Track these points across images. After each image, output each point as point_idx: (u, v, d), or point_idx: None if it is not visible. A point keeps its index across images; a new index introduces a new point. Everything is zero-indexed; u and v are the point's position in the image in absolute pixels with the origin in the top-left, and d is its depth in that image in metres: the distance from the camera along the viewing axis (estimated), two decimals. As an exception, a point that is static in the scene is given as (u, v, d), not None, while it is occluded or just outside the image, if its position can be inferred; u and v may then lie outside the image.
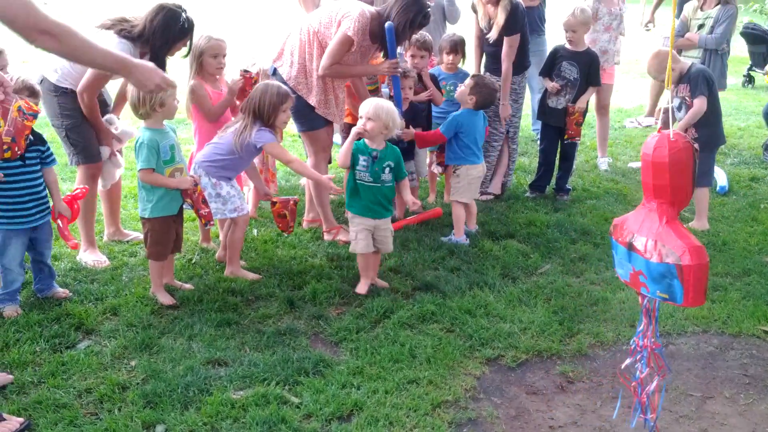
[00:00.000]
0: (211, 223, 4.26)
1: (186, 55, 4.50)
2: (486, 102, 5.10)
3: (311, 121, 4.86)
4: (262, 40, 10.43)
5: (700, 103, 5.21)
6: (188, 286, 4.25)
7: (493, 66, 5.82)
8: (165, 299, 4.03)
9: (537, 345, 3.70)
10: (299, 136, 5.76)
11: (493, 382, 3.43)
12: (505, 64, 5.64)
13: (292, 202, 4.55)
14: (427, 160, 6.05)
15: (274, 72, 4.91)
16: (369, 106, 4.21)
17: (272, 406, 3.10)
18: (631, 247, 2.57)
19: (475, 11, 5.87)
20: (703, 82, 5.23)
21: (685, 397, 3.36)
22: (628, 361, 2.81)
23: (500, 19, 5.52)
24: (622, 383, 2.95)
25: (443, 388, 3.32)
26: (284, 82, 4.78)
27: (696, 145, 2.55)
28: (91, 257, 4.54)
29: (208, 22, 7.34)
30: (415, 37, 5.28)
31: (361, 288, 4.26)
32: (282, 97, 4.29)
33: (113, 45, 4.19)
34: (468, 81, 5.14)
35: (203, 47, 4.62)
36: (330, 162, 5.29)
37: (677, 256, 2.41)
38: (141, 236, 4.90)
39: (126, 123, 4.89)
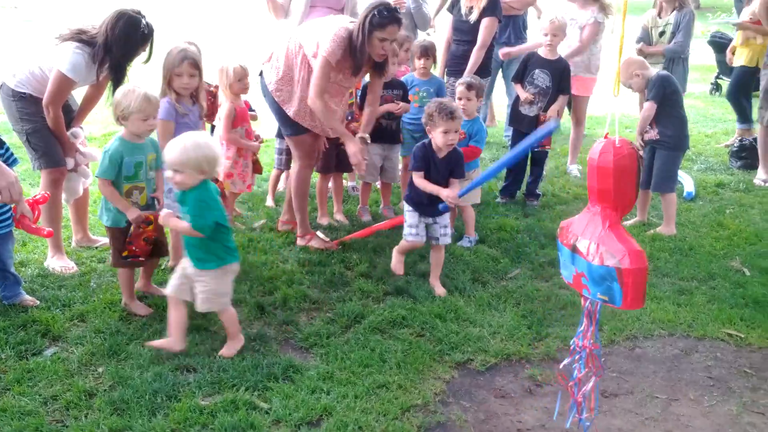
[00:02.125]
0: (138, 260, 3.95)
1: (146, 61, 4.45)
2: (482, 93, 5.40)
3: (294, 125, 4.83)
4: (238, 48, 10.38)
5: (647, 107, 5.41)
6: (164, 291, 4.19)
7: (456, 68, 6.00)
8: (139, 310, 3.96)
9: (506, 349, 3.73)
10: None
11: (463, 386, 3.45)
12: (480, 41, 6.00)
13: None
14: (400, 165, 6.09)
15: (261, 73, 4.89)
16: (171, 153, 3.43)
17: (241, 411, 3.09)
18: (574, 249, 2.62)
19: (455, 4, 6.17)
20: (656, 88, 5.38)
21: (650, 400, 3.41)
22: (566, 360, 2.86)
23: (483, 2, 5.94)
24: (560, 383, 3.00)
25: (413, 392, 3.33)
26: (266, 86, 4.78)
27: (641, 153, 2.60)
28: (58, 263, 4.49)
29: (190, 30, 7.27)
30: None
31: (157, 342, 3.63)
32: (176, 60, 4.19)
33: (69, 53, 4.17)
34: (465, 92, 5.20)
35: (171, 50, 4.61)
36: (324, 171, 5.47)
37: (617, 259, 2.46)
38: (108, 242, 4.88)
39: (92, 148, 4.85)
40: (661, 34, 7.33)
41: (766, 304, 4.30)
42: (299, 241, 5.04)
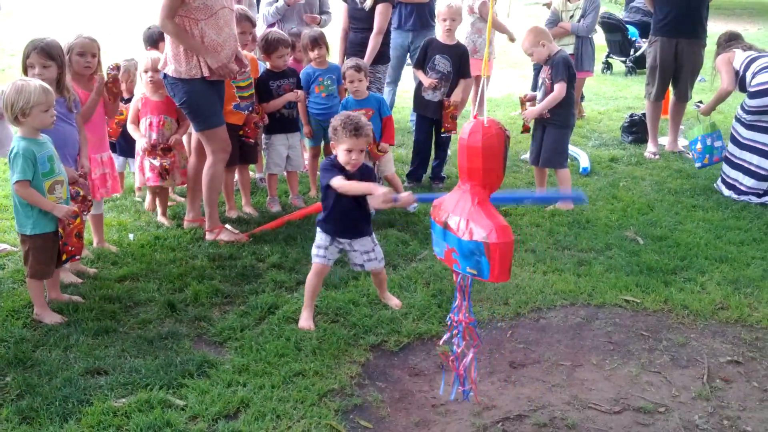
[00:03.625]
0: (75, 258, 3.96)
1: None
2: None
3: (208, 119, 4.76)
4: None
5: (559, 89, 5.52)
6: (77, 298, 4.06)
7: (355, 56, 6.11)
8: (52, 319, 3.82)
9: (418, 328, 3.83)
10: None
11: (378, 368, 3.52)
12: (376, 27, 6.08)
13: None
14: (306, 154, 6.10)
15: (165, 77, 4.80)
16: None
17: (156, 410, 3.06)
18: (446, 226, 2.70)
19: None
20: (564, 69, 5.54)
21: (556, 367, 3.57)
22: (445, 336, 2.96)
23: None
24: (442, 359, 3.10)
25: (329, 377, 3.38)
26: (177, 81, 4.68)
27: (508, 133, 2.73)
28: None
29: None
30: (275, 36, 5.50)
31: None
32: (26, 49, 4.07)
33: None
34: (355, 74, 5.44)
35: (71, 44, 4.44)
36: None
37: (485, 234, 2.54)
38: (8, 248, 4.70)
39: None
40: (571, 17, 7.67)
41: (659, 270, 4.57)
42: (208, 236, 4.99)
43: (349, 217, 3.82)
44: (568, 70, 5.57)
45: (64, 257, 3.86)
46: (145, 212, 5.49)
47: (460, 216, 2.64)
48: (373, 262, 3.92)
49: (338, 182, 3.67)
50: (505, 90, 10.58)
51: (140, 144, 5.09)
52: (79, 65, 4.52)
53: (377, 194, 3.45)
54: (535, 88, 6.20)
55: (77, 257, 3.97)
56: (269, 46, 5.48)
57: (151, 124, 5.10)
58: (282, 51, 5.48)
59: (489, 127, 2.64)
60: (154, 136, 5.08)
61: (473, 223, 2.59)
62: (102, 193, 4.72)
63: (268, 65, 5.60)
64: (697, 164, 6.56)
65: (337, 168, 3.74)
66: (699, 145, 6.40)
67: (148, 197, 5.51)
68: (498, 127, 2.67)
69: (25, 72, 4.09)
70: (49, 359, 3.46)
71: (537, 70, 6.15)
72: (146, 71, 5.01)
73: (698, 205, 5.83)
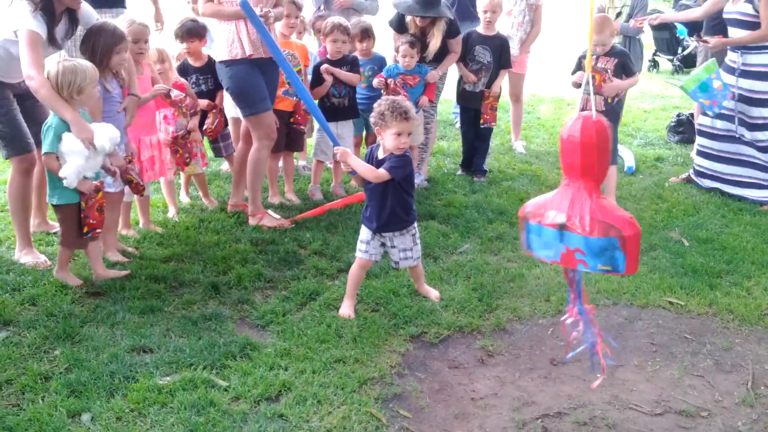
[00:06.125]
0: (96, 232, 4.01)
1: None
2: None
3: (253, 104, 4.79)
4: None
5: (637, 78, 5.61)
6: (124, 272, 4.17)
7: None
8: (72, 281, 4.00)
9: (458, 321, 3.83)
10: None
11: (417, 358, 3.53)
12: (453, 59, 6.00)
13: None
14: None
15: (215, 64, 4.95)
16: None
17: (200, 390, 3.11)
18: (563, 227, 2.67)
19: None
20: (633, 62, 5.55)
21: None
22: (569, 321, 2.94)
23: (437, 40, 5.73)
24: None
25: (369, 365, 3.40)
26: (222, 65, 4.76)
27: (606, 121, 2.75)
28: (29, 258, 4.30)
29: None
30: (332, 20, 5.56)
31: None
32: (117, 38, 4.15)
33: (16, 9, 3.90)
34: (409, 49, 5.52)
35: (125, 31, 4.51)
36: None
37: (618, 228, 2.57)
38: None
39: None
40: (618, 15, 7.57)
41: (704, 272, 4.49)
42: (251, 221, 5.05)
43: (389, 212, 3.85)
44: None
45: (85, 230, 3.94)
46: (190, 194, 5.56)
47: (580, 215, 2.64)
48: (408, 261, 3.96)
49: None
50: (551, 89, 10.46)
51: (160, 138, 5.07)
52: (131, 52, 4.58)
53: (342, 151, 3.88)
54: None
55: (98, 230, 4.02)
56: (325, 29, 5.57)
57: (165, 117, 5.07)
58: (336, 35, 5.48)
59: (599, 122, 2.68)
60: (171, 128, 5.04)
61: (601, 219, 2.60)
62: (150, 176, 4.79)
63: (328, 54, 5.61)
64: (725, 103, 5.86)
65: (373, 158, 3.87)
66: (718, 83, 5.75)
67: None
68: (606, 121, 2.71)
69: (102, 64, 4.13)
70: (96, 335, 3.54)
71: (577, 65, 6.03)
72: (153, 63, 4.94)
73: (745, 208, 5.72)
